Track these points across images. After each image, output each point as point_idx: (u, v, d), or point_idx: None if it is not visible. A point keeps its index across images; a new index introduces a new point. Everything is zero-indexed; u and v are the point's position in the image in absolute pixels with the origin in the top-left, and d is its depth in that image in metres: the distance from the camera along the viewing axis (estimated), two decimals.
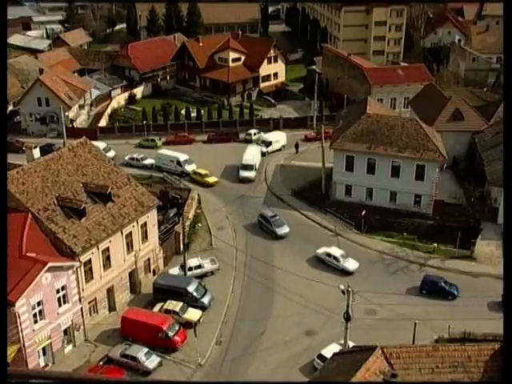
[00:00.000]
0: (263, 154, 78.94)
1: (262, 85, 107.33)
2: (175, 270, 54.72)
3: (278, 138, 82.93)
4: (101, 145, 79.17)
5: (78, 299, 45.79)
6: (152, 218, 53.69)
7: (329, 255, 56.44)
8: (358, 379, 26.21)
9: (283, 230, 60.87)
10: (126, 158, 77.69)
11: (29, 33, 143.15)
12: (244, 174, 73.77)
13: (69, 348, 45.89)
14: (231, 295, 52.43)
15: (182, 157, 75.52)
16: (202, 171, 73.29)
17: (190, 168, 74.54)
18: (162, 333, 45.26)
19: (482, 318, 47.52)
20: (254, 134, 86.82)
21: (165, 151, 77.76)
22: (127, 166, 73.85)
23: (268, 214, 62.08)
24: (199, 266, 54.53)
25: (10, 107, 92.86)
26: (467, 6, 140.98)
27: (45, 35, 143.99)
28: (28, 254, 41.59)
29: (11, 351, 39.56)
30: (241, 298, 52.24)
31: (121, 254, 50.18)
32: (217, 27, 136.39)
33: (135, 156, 78.30)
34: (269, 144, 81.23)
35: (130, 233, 50.83)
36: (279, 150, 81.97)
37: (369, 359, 27.15)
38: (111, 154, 78.84)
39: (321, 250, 57.31)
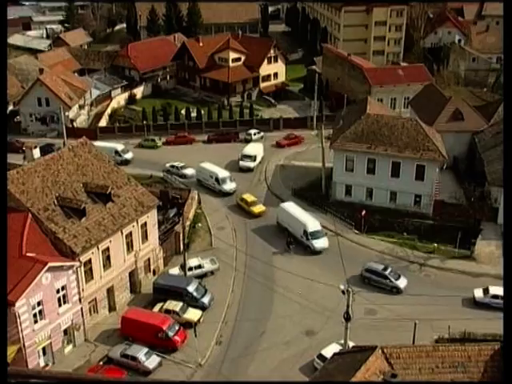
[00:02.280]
0: (251, 170, 75.93)
1: (262, 85, 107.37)
2: (175, 270, 54.73)
3: (258, 150, 79.08)
4: (119, 146, 79.80)
5: (78, 299, 45.78)
6: (152, 217, 53.70)
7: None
8: (358, 379, 26.21)
9: (403, 282, 53.27)
10: (167, 165, 75.24)
11: (29, 33, 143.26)
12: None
13: (69, 348, 45.89)
14: (231, 295, 52.43)
15: (222, 173, 70.53)
16: (249, 198, 66.12)
17: (228, 187, 69.44)
18: (162, 333, 45.26)
19: (481, 317, 47.53)
20: (254, 134, 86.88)
21: (206, 165, 72.15)
22: (167, 173, 73.76)
23: (378, 267, 54.12)
24: (199, 266, 54.53)
25: (10, 107, 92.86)
26: (467, 6, 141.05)
27: (45, 35, 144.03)
28: (28, 254, 41.59)
29: (11, 351, 39.55)
30: (241, 298, 52.25)
31: (121, 253, 50.18)
32: (217, 27, 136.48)
33: (176, 164, 75.29)
34: (254, 158, 77.13)
35: (130, 233, 50.83)
36: (259, 163, 78.16)
37: (369, 359, 27.15)
38: (129, 155, 79.04)
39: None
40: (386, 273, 53.08)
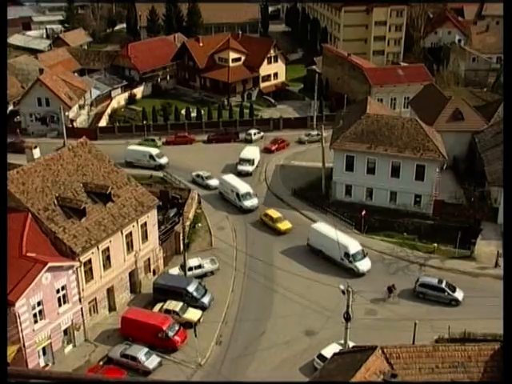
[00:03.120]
0: (249, 174, 74.20)
1: (262, 85, 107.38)
2: (175, 270, 54.72)
3: (255, 154, 77.33)
4: (153, 150, 78.26)
5: (78, 299, 45.78)
6: (152, 217, 53.69)
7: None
8: (358, 379, 26.21)
9: (460, 294, 51.59)
10: (193, 173, 73.51)
11: (29, 33, 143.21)
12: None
13: (69, 348, 45.89)
14: (231, 295, 52.42)
15: (243, 188, 66.46)
16: (274, 214, 62.69)
17: (249, 203, 65.63)
18: (162, 333, 45.25)
19: (481, 317, 47.50)
20: (254, 134, 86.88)
21: (228, 177, 69.14)
22: (192, 183, 72.40)
23: (433, 281, 52.02)
24: (199, 266, 54.52)
25: (10, 107, 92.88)
26: (467, 6, 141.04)
27: (45, 35, 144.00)
28: (28, 254, 41.58)
29: (11, 351, 39.55)
30: (241, 298, 52.24)
31: (121, 253, 50.17)
32: (217, 27, 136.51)
33: (201, 173, 73.19)
34: (252, 162, 75.68)
35: (130, 233, 50.82)
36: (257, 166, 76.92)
37: (369, 359, 27.15)
38: (164, 160, 77.42)
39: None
40: (443, 285, 51.06)
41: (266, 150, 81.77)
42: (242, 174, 72.71)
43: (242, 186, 66.45)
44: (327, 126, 78.20)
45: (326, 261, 56.45)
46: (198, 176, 73.29)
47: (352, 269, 54.39)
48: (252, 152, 76.97)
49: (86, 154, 52.11)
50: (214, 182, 71.81)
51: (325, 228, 57.81)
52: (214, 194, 69.47)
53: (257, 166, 76.13)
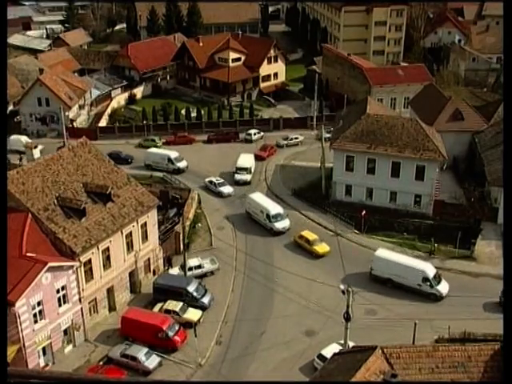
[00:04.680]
0: (247, 183, 72.08)
1: (262, 85, 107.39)
2: (175, 270, 54.71)
3: (251, 161, 74.93)
4: (172, 154, 76.70)
5: (78, 299, 45.78)
6: (152, 218, 53.68)
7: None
8: (358, 379, 26.20)
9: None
10: (206, 180, 71.78)
11: (29, 33, 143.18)
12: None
13: (69, 348, 45.88)
14: (231, 295, 52.42)
15: (274, 209, 62.05)
16: (310, 236, 58.62)
17: (281, 225, 61.19)
18: (162, 333, 45.24)
19: (481, 318, 47.52)
20: (254, 134, 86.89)
21: (256, 197, 64.43)
22: (205, 190, 70.52)
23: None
24: (199, 266, 54.51)
25: (10, 107, 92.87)
26: (467, 6, 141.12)
27: (45, 35, 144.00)
28: (28, 254, 41.59)
29: (11, 351, 39.55)
30: (241, 298, 52.23)
31: (121, 253, 50.17)
32: (217, 27, 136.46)
33: (214, 180, 71.27)
34: (250, 170, 73.48)
35: (130, 233, 50.82)
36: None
37: (369, 359, 27.14)
38: (183, 164, 76.05)
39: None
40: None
41: (258, 158, 78.68)
42: (240, 184, 71.13)
43: (273, 207, 62.26)
44: (327, 126, 78.30)
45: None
46: (210, 182, 71.20)
47: (433, 293, 50.88)
48: (248, 160, 74.64)
49: (86, 154, 52.10)
50: (227, 190, 69.63)
51: (392, 255, 53.64)
52: (241, 213, 65.27)
53: (253, 174, 73.84)
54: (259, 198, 64.45)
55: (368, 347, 29.07)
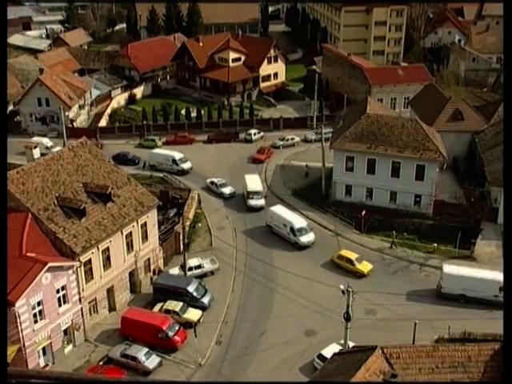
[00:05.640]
0: (260, 209, 65.69)
1: (262, 85, 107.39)
2: (175, 270, 54.71)
3: (259, 182, 68.70)
4: (177, 155, 75.95)
5: (78, 299, 45.77)
6: (152, 218, 53.68)
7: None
8: (358, 379, 26.20)
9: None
10: (208, 180, 71.12)
11: (29, 33, 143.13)
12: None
13: (69, 348, 45.87)
14: (231, 295, 52.41)
15: (298, 222, 59.54)
16: (350, 255, 55.80)
17: (306, 239, 58.77)
18: (162, 333, 45.24)
19: (481, 318, 47.52)
20: (254, 134, 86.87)
21: (278, 209, 61.76)
22: (206, 190, 69.91)
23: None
24: (199, 266, 54.50)
25: (10, 107, 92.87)
26: (467, 6, 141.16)
27: (44, 35, 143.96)
28: (28, 254, 41.58)
29: (11, 351, 39.54)
30: (241, 298, 52.23)
31: (121, 253, 50.16)
32: (217, 27, 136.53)
33: (215, 181, 70.33)
34: (262, 194, 66.95)
35: (130, 233, 50.80)
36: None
37: (369, 359, 27.14)
38: (187, 165, 75.42)
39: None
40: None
41: (257, 161, 78.34)
42: (254, 210, 65.32)
43: (297, 220, 59.81)
44: (327, 126, 78.23)
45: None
46: (212, 183, 70.41)
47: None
48: (256, 181, 68.44)
49: (86, 153, 52.09)
50: (228, 190, 68.88)
51: (462, 269, 51.33)
52: (261, 226, 62.60)
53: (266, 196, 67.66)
54: (281, 210, 61.54)
55: (368, 347, 29.07)
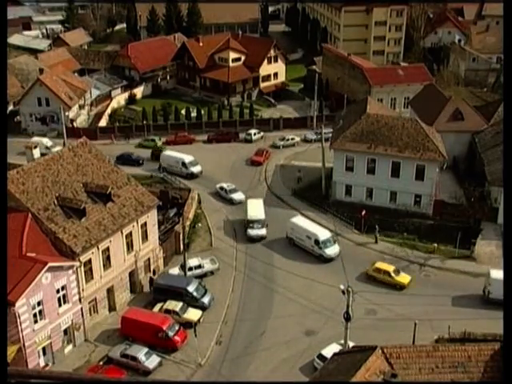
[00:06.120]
0: (262, 239, 60.28)
1: (262, 85, 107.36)
2: (175, 270, 54.70)
3: (261, 208, 62.40)
4: (187, 158, 74.53)
5: (78, 299, 45.78)
6: (152, 218, 53.68)
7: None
8: (357, 379, 26.20)
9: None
10: (217, 186, 69.44)
11: (29, 33, 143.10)
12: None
13: (69, 348, 45.88)
14: (231, 295, 52.42)
15: (323, 234, 57.14)
16: (387, 267, 53.96)
17: (332, 251, 56.64)
18: (162, 333, 45.25)
19: (481, 317, 47.52)
20: (254, 134, 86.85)
21: (299, 221, 59.24)
22: (215, 196, 68.71)
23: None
24: (199, 266, 54.50)
25: (10, 107, 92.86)
26: (467, 6, 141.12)
27: (40, 35, 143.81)
28: (28, 254, 41.59)
29: (11, 351, 39.53)
30: (241, 298, 52.24)
31: (121, 253, 50.17)
32: (217, 27, 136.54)
33: (224, 186, 68.71)
34: (263, 223, 60.53)
35: (130, 233, 50.81)
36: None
37: (369, 359, 27.13)
38: (197, 168, 74.04)
39: None
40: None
41: (255, 163, 77.70)
42: (255, 240, 59.66)
43: (321, 232, 57.32)
44: (327, 126, 78.14)
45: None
46: (221, 189, 68.74)
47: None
48: (259, 208, 62.35)
49: (86, 153, 52.10)
50: (238, 196, 67.12)
51: (300, 221, 52.98)
52: (281, 237, 59.88)
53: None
54: (304, 222, 58.95)
55: (368, 347, 29.06)
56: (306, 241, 57.57)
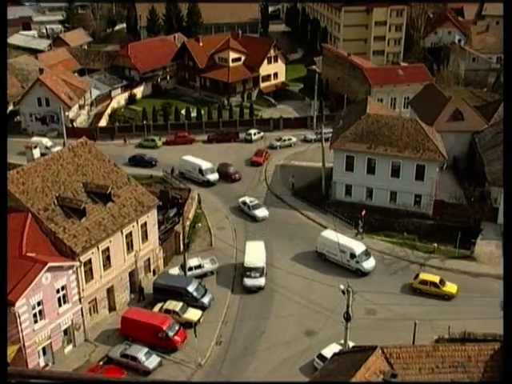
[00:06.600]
0: (261, 288, 53.25)
1: (262, 85, 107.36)
2: (175, 270, 54.70)
3: (261, 254, 55.34)
4: (204, 164, 72.30)
5: (78, 299, 45.78)
6: (152, 218, 53.69)
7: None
8: (357, 379, 26.19)
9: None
10: (240, 200, 66.20)
11: (22, 33, 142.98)
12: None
13: (69, 348, 45.89)
14: (231, 295, 52.41)
15: (358, 247, 54.99)
16: (434, 278, 52.16)
17: (368, 264, 54.49)
18: (162, 333, 45.25)
19: (481, 317, 47.49)
20: (254, 134, 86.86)
21: (329, 234, 56.34)
22: (237, 210, 65.73)
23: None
24: (199, 266, 54.51)
25: (10, 107, 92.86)
26: (467, 6, 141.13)
27: (44, 35, 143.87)
28: (28, 254, 41.60)
29: (11, 351, 39.54)
30: (241, 297, 52.23)
31: (121, 253, 50.18)
32: (217, 27, 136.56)
33: (247, 201, 65.16)
34: (262, 271, 53.65)
35: (130, 233, 50.83)
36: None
37: (369, 359, 27.12)
38: (213, 177, 71.92)
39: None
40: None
41: (255, 164, 77.76)
42: (251, 291, 52.66)
43: (356, 245, 55.21)
44: (327, 126, 78.14)
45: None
46: (244, 204, 65.24)
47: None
48: (258, 253, 55.22)
49: (86, 153, 52.11)
50: (261, 213, 63.86)
51: (329, 235, 51.08)
52: (310, 252, 57.62)
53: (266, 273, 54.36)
54: (335, 236, 55.30)
55: (368, 347, 29.05)
56: (340, 255, 54.97)
